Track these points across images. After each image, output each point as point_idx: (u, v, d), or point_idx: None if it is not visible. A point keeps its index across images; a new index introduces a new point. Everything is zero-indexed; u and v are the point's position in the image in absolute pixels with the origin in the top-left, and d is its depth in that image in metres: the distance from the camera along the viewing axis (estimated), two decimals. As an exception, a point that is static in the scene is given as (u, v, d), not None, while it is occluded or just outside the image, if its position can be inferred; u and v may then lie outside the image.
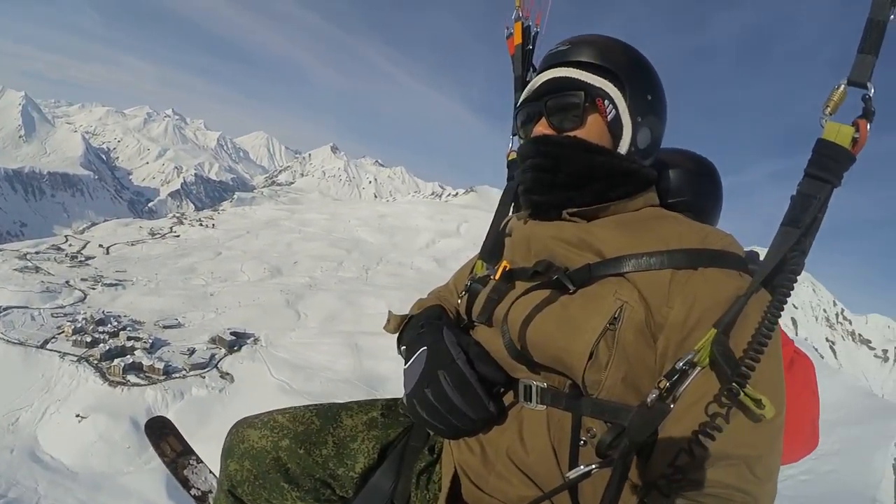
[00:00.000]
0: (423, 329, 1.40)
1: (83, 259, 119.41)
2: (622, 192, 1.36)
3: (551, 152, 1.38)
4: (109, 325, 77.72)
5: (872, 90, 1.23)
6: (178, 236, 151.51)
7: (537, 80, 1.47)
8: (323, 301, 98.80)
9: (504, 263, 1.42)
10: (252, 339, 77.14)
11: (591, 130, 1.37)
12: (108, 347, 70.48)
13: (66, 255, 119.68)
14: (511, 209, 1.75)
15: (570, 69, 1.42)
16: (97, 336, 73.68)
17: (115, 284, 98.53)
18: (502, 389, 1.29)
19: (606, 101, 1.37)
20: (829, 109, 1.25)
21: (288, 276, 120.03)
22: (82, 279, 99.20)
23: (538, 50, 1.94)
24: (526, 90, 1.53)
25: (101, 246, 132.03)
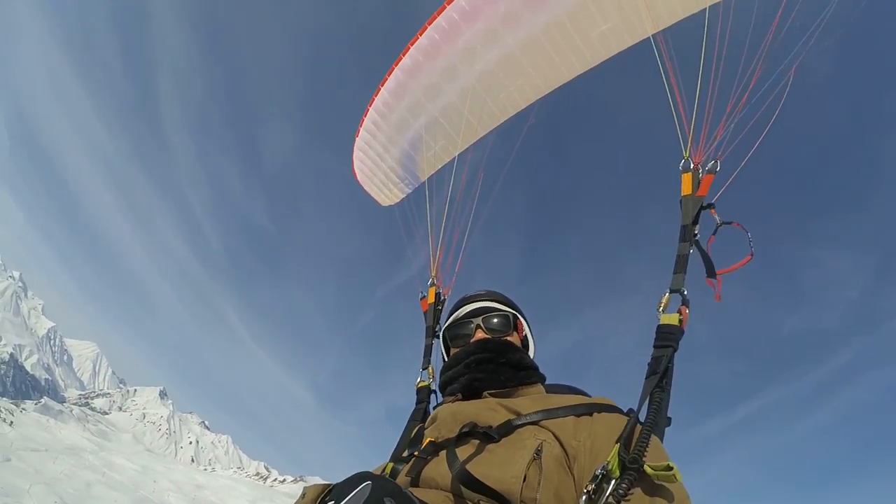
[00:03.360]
0: (359, 479, 1.39)
1: None
2: (529, 380, 1.97)
3: (493, 348, 2.00)
4: None
5: (686, 291, 2.17)
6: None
7: (468, 307, 2.22)
8: (115, 570, 76.55)
9: (428, 439, 1.77)
10: None
11: (514, 339, 2.12)
12: None
13: None
14: (417, 424, 2.28)
15: (489, 302, 2.22)
16: None
17: None
18: None
19: (524, 324, 2.22)
20: (661, 308, 2.14)
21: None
22: None
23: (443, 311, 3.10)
24: (455, 316, 2.25)
25: None
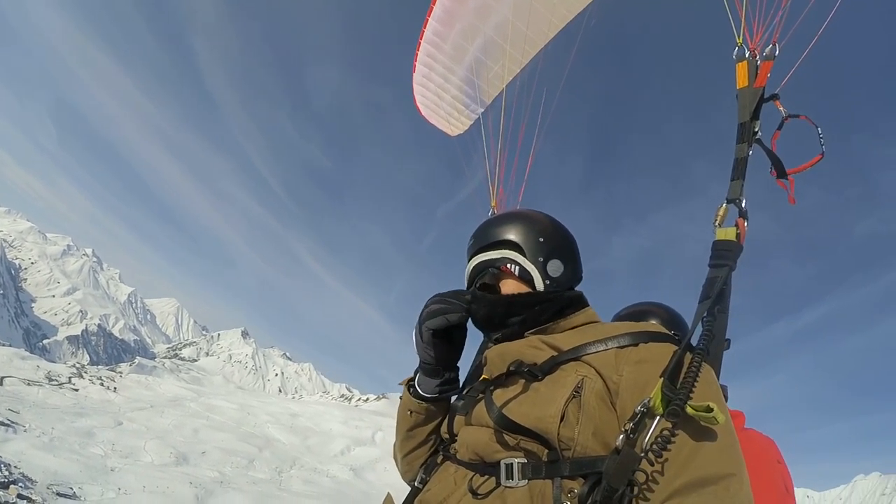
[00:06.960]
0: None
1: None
2: (550, 314, 1.71)
3: (498, 322, 1.75)
4: (-1, 474, 64.29)
5: (745, 201, 1.89)
6: (76, 390, 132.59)
7: (466, 271, 1.95)
8: (235, 502, 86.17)
9: (483, 377, 1.70)
10: (159, 538, 64.10)
11: (509, 287, 1.79)
12: (-6, 499, 57.73)
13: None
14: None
15: (478, 256, 1.88)
16: (-18, 482, 60.45)
17: (7, 425, 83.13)
18: (483, 478, 1.46)
19: (509, 264, 1.80)
20: (717, 221, 1.89)
21: (195, 466, 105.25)
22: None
23: None
24: (467, 279, 2.01)
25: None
